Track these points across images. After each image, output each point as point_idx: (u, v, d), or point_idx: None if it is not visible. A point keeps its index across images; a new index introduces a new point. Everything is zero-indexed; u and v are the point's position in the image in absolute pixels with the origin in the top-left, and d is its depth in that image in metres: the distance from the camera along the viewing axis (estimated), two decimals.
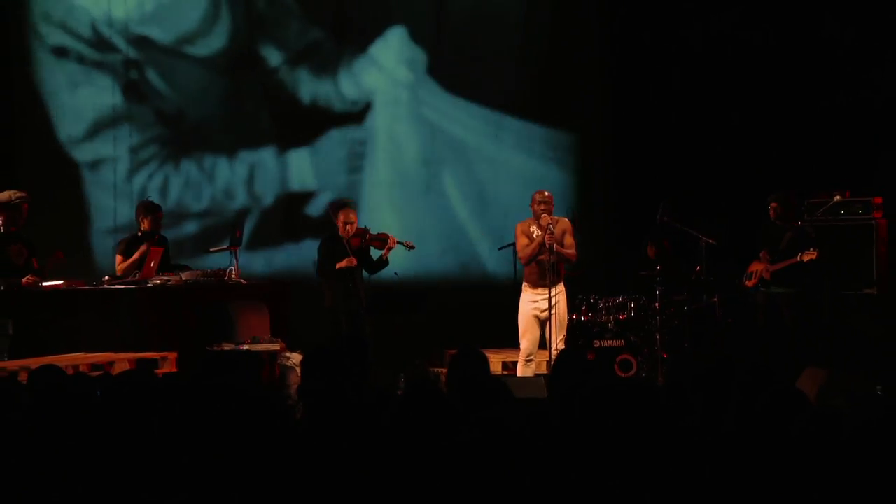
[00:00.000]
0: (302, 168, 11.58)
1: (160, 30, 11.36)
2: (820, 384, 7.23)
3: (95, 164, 11.34)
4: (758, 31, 11.00)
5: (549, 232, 8.73)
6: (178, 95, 11.43)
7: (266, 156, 11.56)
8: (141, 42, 11.33)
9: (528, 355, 8.91)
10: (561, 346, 8.79)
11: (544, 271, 8.75)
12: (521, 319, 8.96)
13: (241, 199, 11.52)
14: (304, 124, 11.58)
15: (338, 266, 9.28)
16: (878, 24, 10.53)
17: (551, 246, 8.71)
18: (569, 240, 8.91)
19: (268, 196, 11.56)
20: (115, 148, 11.30)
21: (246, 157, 11.51)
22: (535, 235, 8.87)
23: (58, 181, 11.19)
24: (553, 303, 8.74)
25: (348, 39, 11.61)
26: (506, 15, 11.73)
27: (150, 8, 11.29)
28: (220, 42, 11.45)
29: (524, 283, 8.99)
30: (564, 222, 9.01)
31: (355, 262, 9.33)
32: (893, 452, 3.14)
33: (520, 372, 8.93)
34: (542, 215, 8.78)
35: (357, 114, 11.61)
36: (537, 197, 8.92)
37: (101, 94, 11.30)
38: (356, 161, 11.60)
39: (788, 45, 10.92)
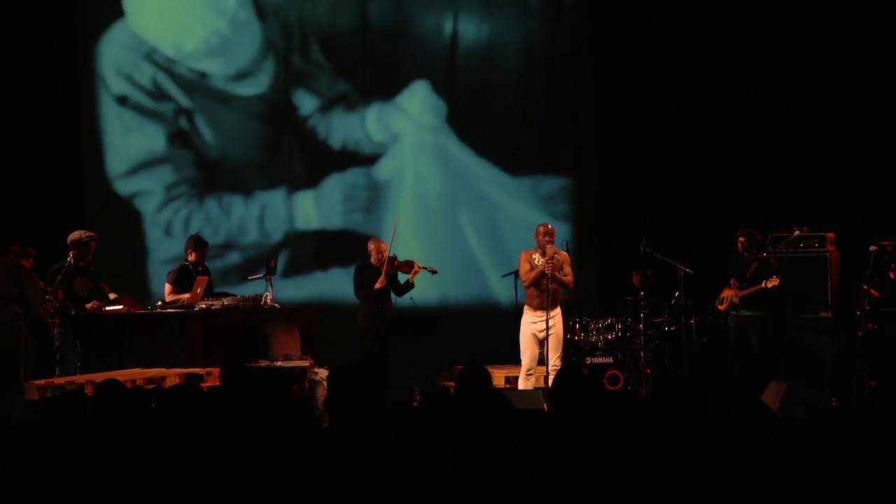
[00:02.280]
0: (331, 207, 11.58)
1: (219, 64, 11.29)
2: (783, 396, 7.20)
3: (138, 196, 11.27)
4: (730, 88, 11.06)
5: (550, 260, 8.70)
6: (221, 139, 11.37)
7: (300, 195, 11.52)
8: (195, 84, 11.26)
9: (528, 370, 8.86)
10: (558, 363, 8.74)
11: (544, 296, 8.73)
12: (522, 338, 8.90)
13: (277, 233, 11.48)
14: (335, 166, 11.50)
15: (375, 287, 9.29)
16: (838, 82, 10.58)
17: (553, 274, 8.69)
18: (567, 269, 8.89)
19: (301, 230, 11.52)
20: (156, 184, 11.25)
21: (279, 195, 11.46)
22: (537, 262, 8.84)
23: (119, 219, 11.14)
24: (550, 324, 8.70)
25: (376, 90, 11.58)
26: (508, 75, 11.76)
27: (215, 42, 11.27)
28: (265, 84, 11.41)
29: (525, 307, 8.94)
30: (563, 254, 8.98)
31: (385, 282, 9.33)
32: (846, 455, 3.14)
33: (521, 385, 8.88)
34: (548, 245, 8.72)
35: (384, 156, 11.58)
36: (541, 229, 8.83)
37: (149, 140, 11.26)
38: (383, 199, 11.56)
39: (759, 98, 10.97)
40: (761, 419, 3.52)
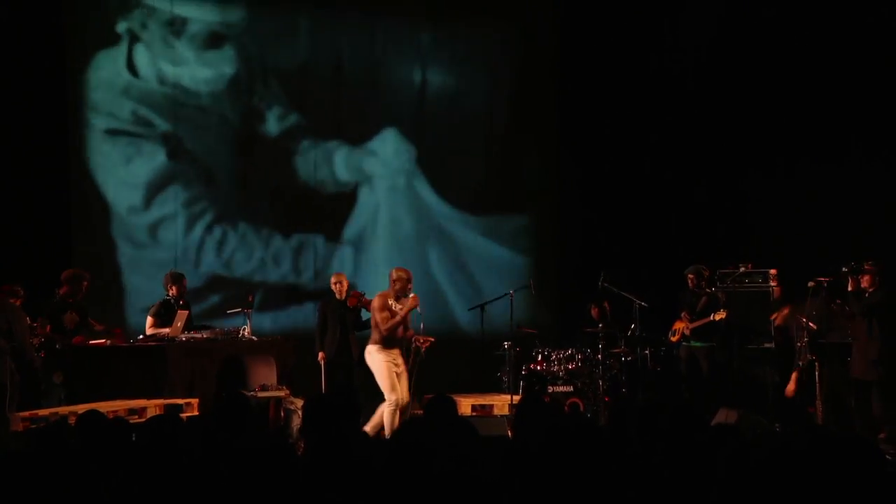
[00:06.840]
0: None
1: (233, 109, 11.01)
2: (730, 422, 7.20)
3: (155, 227, 10.81)
4: (681, 133, 11.18)
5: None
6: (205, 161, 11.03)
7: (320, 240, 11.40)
8: (174, 108, 10.84)
9: (396, 404, 8.20)
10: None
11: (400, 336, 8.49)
12: (388, 376, 8.32)
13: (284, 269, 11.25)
14: (310, 206, 11.37)
15: (350, 304, 9.37)
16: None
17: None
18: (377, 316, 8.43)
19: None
20: (171, 208, 10.83)
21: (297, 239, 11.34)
22: (395, 309, 8.41)
23: (109, 257, 10.69)
24: (399, 361, 8.39)
25: (351, 134, 11.50)
26: (473, 120, 11.83)
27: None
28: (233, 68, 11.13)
29: (379, 347, 8.39)
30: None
31: (323, 360, 9.35)
32: (789, 475, 3.14)
33: (387, 419, 8.15)
34: (411, 296, 8.38)
35: (356, 195, 11.49)
36: (404, 276, 8.52)
37: (149, 163, 10.76)
38: (357, 237, 11.49)
39: (707, 143, 11.08)
40: (721, 444, 3.49)
